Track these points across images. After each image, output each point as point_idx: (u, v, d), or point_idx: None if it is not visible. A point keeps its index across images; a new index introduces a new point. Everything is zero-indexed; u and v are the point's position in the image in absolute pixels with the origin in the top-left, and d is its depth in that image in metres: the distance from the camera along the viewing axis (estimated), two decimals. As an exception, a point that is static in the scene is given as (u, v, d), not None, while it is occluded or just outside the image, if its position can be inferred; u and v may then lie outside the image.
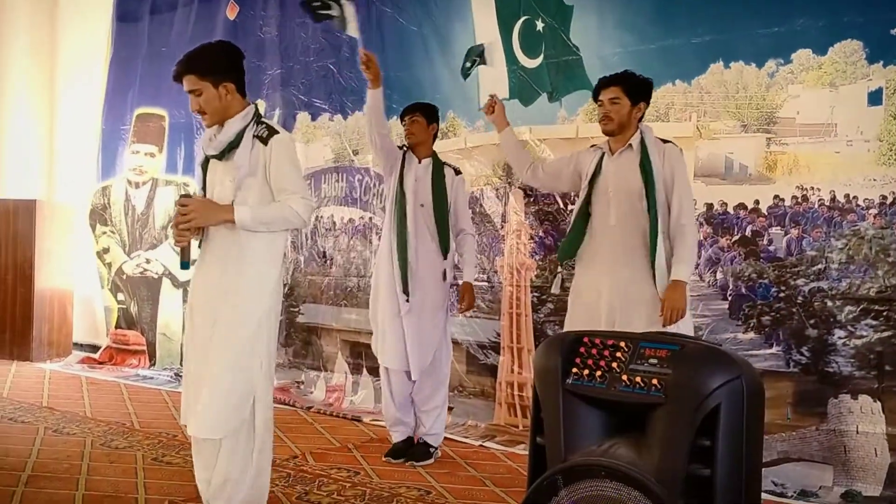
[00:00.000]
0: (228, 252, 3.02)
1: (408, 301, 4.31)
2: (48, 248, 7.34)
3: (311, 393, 5.91)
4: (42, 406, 5.41)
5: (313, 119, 6.17)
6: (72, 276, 7.63)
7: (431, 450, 4.39)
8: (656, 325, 3.38)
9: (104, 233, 7.50)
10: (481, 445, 4.72)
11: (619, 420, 2.08)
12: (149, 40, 7.24)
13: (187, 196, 3.12)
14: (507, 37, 5.09)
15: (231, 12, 6.59)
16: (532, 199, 5.03)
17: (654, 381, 2.00)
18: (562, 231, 4.88)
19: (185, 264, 3.06)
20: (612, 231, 3.56)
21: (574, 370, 2.12)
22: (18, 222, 7.27)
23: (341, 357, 5.93)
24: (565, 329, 3.68)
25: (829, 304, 3.92)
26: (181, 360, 6.70)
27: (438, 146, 5.37)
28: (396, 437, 4.46)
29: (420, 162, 4.45)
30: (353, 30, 4.46)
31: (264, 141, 3.00)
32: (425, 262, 4.36)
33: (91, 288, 7.63)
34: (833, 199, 3.95)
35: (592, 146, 3.82)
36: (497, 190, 5.23)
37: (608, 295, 3.50)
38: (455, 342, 5.29)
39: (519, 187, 4.97)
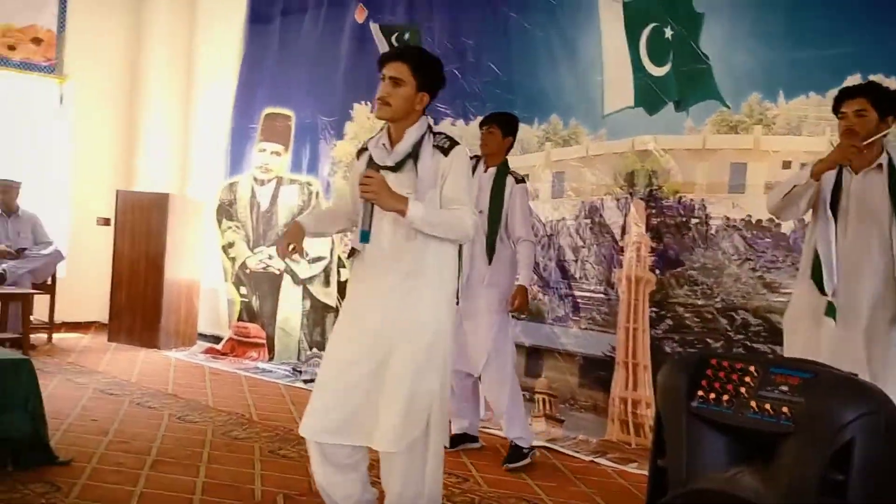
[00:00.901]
0: (402, 261, 2.96)
1: (458, 303, 4.35)
2: (178, 240, 7.64)
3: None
4: (167, 393, 5.63)
5: (436, 123, 6.19)
6: (199, 268, 7.93)
7: (525, 450, 4.41)
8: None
9: (229, 227, 7.75)
10: (592, 461, 4.64)
11: (744, 447, 1.99)
12: (279, 41, 7.44)
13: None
14: (633, 44, 4.99)
15: (359, 15, 6.70)
16: (654, 211, 4.92)
17: (785, 410, 1.90)
18: (685, 246, 4.76)
19: (364, 234, 2.89)
20: (846, 256, 3.30)
21: (700, 392, 2.04)
22: (152, 215, 7.58)
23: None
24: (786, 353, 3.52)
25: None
26: (298, 356, 6.96)
27: (560, 154, 5.38)
28: (454, 429, 4.51)
29: (486, 171, 4.51)
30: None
31: (445, 152, 2.96)
32: (476, 268, 4.41)
33: (216, 281, 7.91)
34: None
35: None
36: (618, 200, 5.13)
37: (839, 327, 3.26)
38: (568, 353, 5.24)
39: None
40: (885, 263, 3.24)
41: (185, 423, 4.84)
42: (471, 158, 4.42)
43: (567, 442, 4.95)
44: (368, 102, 6.60)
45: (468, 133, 5.99)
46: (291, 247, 3.04)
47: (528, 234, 4.53)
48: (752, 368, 2.01)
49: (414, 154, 2.96)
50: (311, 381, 6.32)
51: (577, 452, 4.77)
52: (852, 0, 4.12)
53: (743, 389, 1.99)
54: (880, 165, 3.30)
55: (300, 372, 6.64)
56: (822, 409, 1.86)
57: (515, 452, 4.39)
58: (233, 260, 7.71)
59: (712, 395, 2.02)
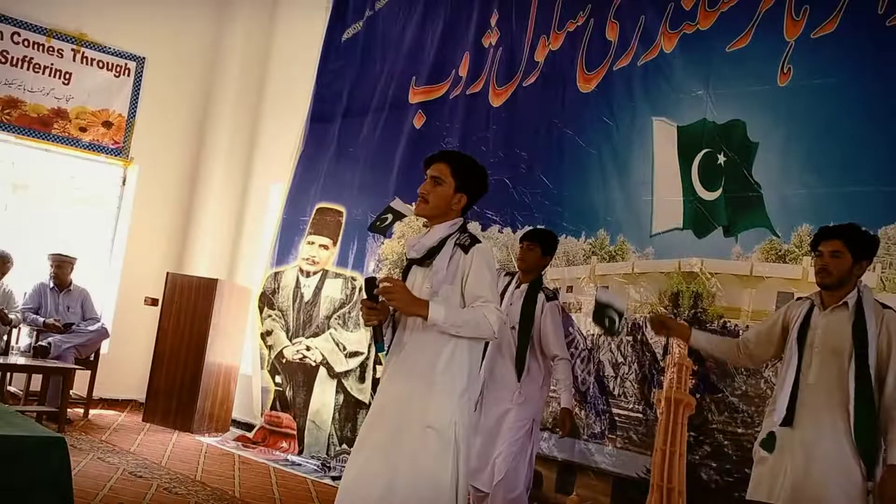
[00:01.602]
0: (418, 363, 3.01)
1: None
2: (222, 325, 7.73)
3: None
4: (195, 480, 5.61)
5: (483, 229, 6.27)
6: (238, 354, 7.98)
7: None
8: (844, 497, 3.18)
9: (269, 316, 7.82)
10: None
11: None
12: (338, 141, 7.65)
13: (370, 280, 3.08)
14: (685, 167, 5.05)
15: (418, 121, 6.89)
16: (698, 333, 4.87)
17: None
18: (727, 371, 4.70)
19: (380, 346, 3.04)
20: (809, 391, 3.37)
21: None
22: (199, 298, 7.70)
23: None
24: (750, 488, 3.54)
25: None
26: (328, 450, 6.90)
27: (606, 269, 5.39)
28: None
29: (519, 286, 4.54)
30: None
31: (465, 249, 3.02)
32: (505, 382, 4.38)
33: (252, 368, 7.95)
34: None
35: (799, 298, 3.67)
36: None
37: (798, 458, 3.31)
38: (601, 472, 5.14)
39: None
40: (842, 400, 3.27)
41: (210, 513, 4.81)
42: (506, 275, 4.51)
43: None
44: (419, 203, 6.71)
45: (514, 241, 6.05)
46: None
47: (563, 352, 4.51)
48: None
49: (438, 249, 3.05)
50: (339, 477, 6.28)
51: None
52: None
53: None
54: (846, 304, 3.37)
55: (329, 468, 6.58)
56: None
57: None
58: (270, 348, 7.76)
59: None
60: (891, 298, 4.05)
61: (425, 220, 3.21)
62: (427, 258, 3.06)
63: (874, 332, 3.28)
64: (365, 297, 3.06)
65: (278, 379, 7.61)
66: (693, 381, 4.86)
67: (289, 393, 7.48)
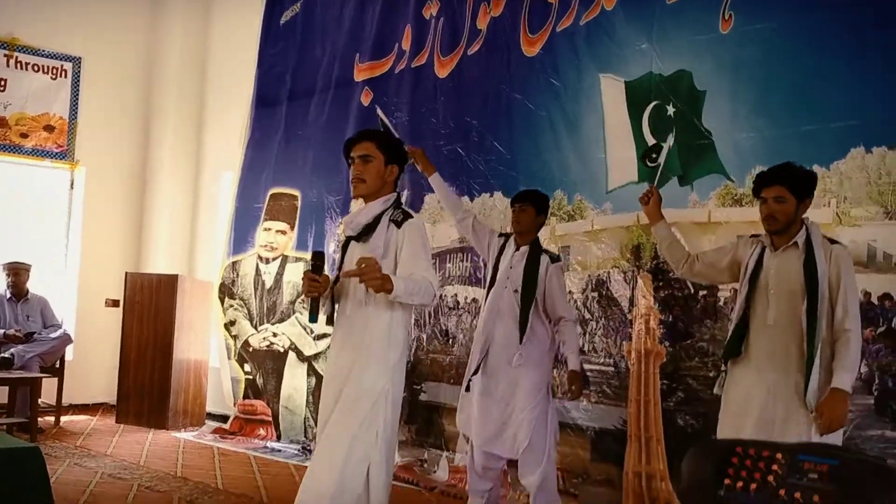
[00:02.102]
0: (356, 332, 3.21)
1: (470, 381, 4.44)
2: (187, 320, 7.66)
3: (435, 472, 5.90)
4: (176, 476, 5.58)
5: (440, 200, 6.29)
6: (206, 348, 7.93)
7: None
8: (807, 433, 3.27)
9: (231, 306, 7.78)
10: None
11: None
12: (285, 124, 7.59)
13: (318, 254, 3.29)
14: (636, 121, 5.10)
15: (365, 98, 6.86)
16: (662, 284, 4.96)
17: (816, 498, 1.87)
18: (693, 317, 4.79)
19: (313, 317, 3.23)
20: (769, 331, 3.44)
21: (727, 481, 2.01)
22: (161, 296, 7.63)
23: (462, 437, 5.91)
24: (718, 430, 3.60)
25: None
26: (305, 433, 6.91)
27: (565, 228, 5.44)
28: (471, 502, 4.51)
29: (518, 249, 4.52)
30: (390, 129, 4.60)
31: (398, 224, 3.19)
32: (509, 347, 4.39)
33: (219, 359, 7.91)
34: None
35: (752, 235, 3.73)
36: (625, 273, 5.17)
37: (761, 398, 3.40)
38: (579, 428, 5.22)
39: (680, 275, 4.51)
40: (796, 335, 3.35)
41: (196, 507, 4.79)
42: (500, 236, 4.53)
43: (583, 518, 4.91)
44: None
45: (471, 209, 6.07)
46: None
47: (569, 313, 4.53)
48: (778, 456, 1.97)
49: (373, 225, 3.22)
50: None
51: None
52: (855, 75, 4.20)
53: (771, 478, 1.94)
54: (796, 243, 3.44)
55: (309, 451, 6.59)
56: (855, 497, 1.84)
57: None
58: (235, 338, 7.73)
59: (740, 484, 1.97)
60: (847, 232, 4.18)
61: (363, 198, 3.33)
62: (363, 234, 3.23)
63: (824, 270, 3.35)
64: (309, 269, 3.21)
65: (247, 367, 7.59)
66: (661, 330, 4.95)
67: (259, 380, 7.46)
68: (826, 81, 4.32)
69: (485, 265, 5.01)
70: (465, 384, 4.56)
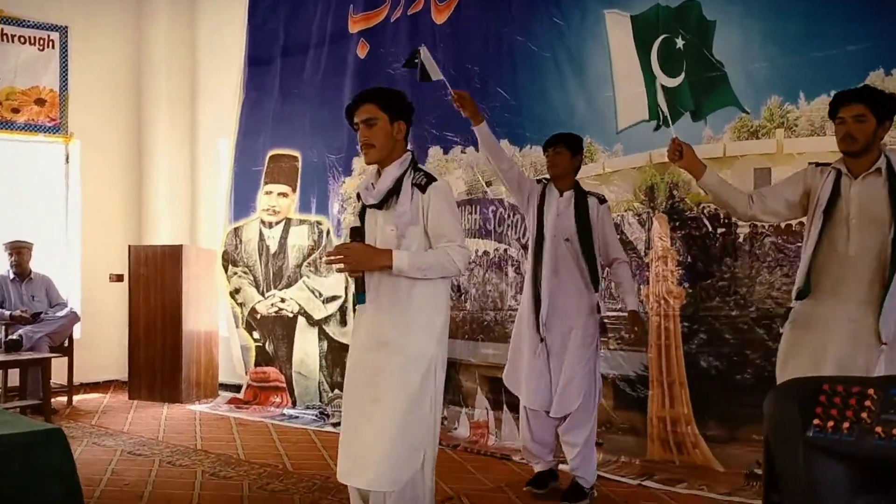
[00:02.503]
0: (395, 301, 3.01)
1: (542, 341, 4.22)
2: (194, 291, 7.56)
3: (456, 429, 5.84)
4: (197, 449, 5.51)
5: (445, 153, 6.13)
6: (215, 318, 7.83)
7: (586, 490, 4.23)
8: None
9: (235, 273, 7.66)
10: (640, 485, 4.52)
11: (870, 477, 1.86)
12: (280, 82, 7.40)
13: (356, 230, 3.09)
14: (645, 56, 4.89)
15: (362, 51, 6.66)
16: (678, 224, 4.82)
17: None
18: (712, 257, 4.66)
19: (362, 297, 3.02)
20: (850, 263, 3.23)
21: (816, 421, 1.90)
22: (166, 268, 7.51)
23: (480, 393, 5.83)
24: (779, 365, 3.42)
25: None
26: (320, 398, 6.84)
27: (575, 173, 5.29)
28: (538, 467, 4.40)
29: (562, 195, 4.34)
30: (436, 73, 4.31)
31: (422, 189, 3.01)
32: (570, 298, 4.24)
33: (227, 329, 7.82)
34: None
35: (819, 164, 3.47)
36: (639, 216, 5.04)
37: (840, 333, 3.20)
38: (601, 375, 5.11)
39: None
40: (881, 270, 3.17)
41: (219, 479, 4.71)
42: (538, 182, 4.36)
43: (610, 466, 4.84)
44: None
45: (479, 159, 5.92)
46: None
47: (622, 254, 4.41)
48: (870, 392, 1.88)
49: (395, 190, 3.02)
50: (340, 423, 6.23)
51: (623, 477, 4.66)
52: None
53: (864, 415, 1.86)
54: (879, 170, 3.25)
55: (327, 415, 6.53)
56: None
57: (576, 490, 4.22)
58: (241, 305, 7.62)
59: (830, 424, 1.89)
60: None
61: (377, 164, 3.12)
62: (385, 201, 3.03)
63: None
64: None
65: (256, 335, 7.51)
66: (680, 272, 4.83)
67: (269, 347, 7.38)
68: (840, 4, 4.16)
69: (521, 217, 4.80)
70: (528, 345, 4.32)
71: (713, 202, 4.22)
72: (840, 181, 3.31)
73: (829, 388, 1.92)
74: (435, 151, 6.19)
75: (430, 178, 3.03)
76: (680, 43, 4.74)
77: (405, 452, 2.92)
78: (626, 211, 5.09)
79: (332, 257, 2.98)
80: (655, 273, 4.92)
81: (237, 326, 7.66)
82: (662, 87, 4.72)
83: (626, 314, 4.55)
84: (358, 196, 3.20)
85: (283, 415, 6.76)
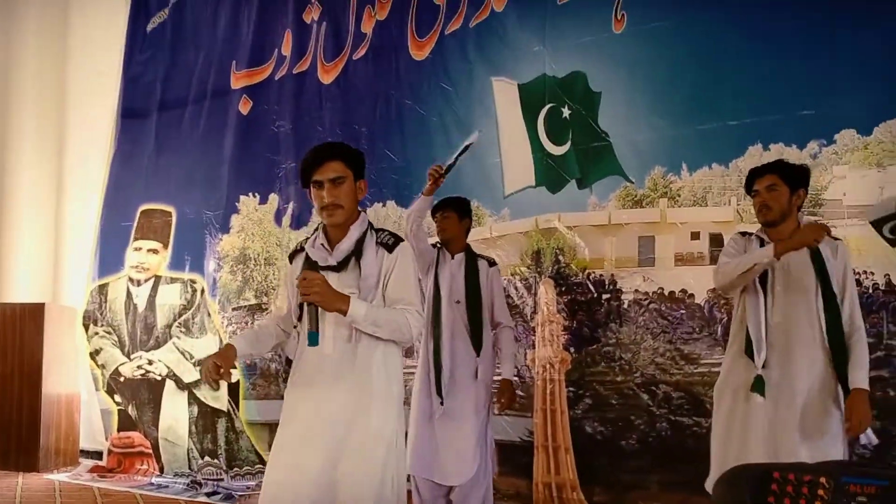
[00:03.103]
0: (347, 370, 2.78)
1: (442, 404, 4.14)
2: (55, 352, 7.07)
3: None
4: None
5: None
6: (76, 380, 7.33)
7: None
8: (835, 434, 3.16)
9: (97, 333, 7.22)
10: None
11: None
12: (156, 136, 7.12)
13: (315, 264, 2.84)
14: (531, 124, 5.02)
15: (244, 107, 6.53)
16: (564, 289, 4.88)
17: None
18: (598, 322, 4.73)
19: (314, 336, 2.70)
20: (776, 330, 3.27)
21: None
22: (26, 326, 7.02)
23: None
24: (714, 430, 3.43)
25: (892, 393, 3.76)
26: (190, 465, 6.49)
27: (462, 236, 5.29)
28: None
29: (453, 258, 4.35)
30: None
31: (389, 248, 2.82)
32: (463, 361, 4.19)
33: (88, 391, 7.34)
34: (888, 282, 3.81)
35: (744, 233, 3.51)
36: (526, 280, 5.07)
37: (774, 400, 3.22)
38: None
39: None
40: (814, 336, 3.23)
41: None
42: (433, 246, 4.31)
43: (497, 534, 4.76)
44: (255, 194, 6.40)
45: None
46: (220, 370, 2.75)
47: (508, 319, 4.38)
48: (822, 480, 1.87)
49: (356, 252, 2.80)
50: (215, 493, 5.97)
51: None
52: (750, 74, 4.24)
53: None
54: None
55: (199, 484, 6.19)
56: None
57: None
58: (102, 367, 7.16)
59: None
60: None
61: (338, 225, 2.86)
62: (344, 263, 2.81)
63: (832, 263, 3.24)
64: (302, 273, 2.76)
65: (117, 398, 7.07)
66: (566, 337, 4.87)
67: (132, 412, 6.96)
68: (723, 80, 4.36)
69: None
70: (422, 411, 4.24)
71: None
72: None
73: (781, 475, 1.90)
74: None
75: (398, 239, 2.86)
76: (566, 112, 4.87)
77: None
78: (512, 275, 5.12)
79: (306, 278, 2.67)
80: (542, 337, 4.94)
81: (97, 389, 7.21)
82: (548, 154, 4.85)
83: (513, 379, 4.52)
84: (291, 256, 3.00)
85: (152, 484, 6.37)
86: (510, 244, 5.13)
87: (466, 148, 4.38)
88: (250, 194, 6.45)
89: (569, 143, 4.88)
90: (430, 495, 4.21)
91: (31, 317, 7.01)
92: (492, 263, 4.41)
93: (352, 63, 5.94)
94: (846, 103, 3.93)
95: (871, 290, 3.85)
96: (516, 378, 4.64)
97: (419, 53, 5.56)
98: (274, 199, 6.32)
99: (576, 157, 4.84)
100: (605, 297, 4.73)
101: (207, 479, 6.18)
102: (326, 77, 6.08)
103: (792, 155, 4.08)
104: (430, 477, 4.16)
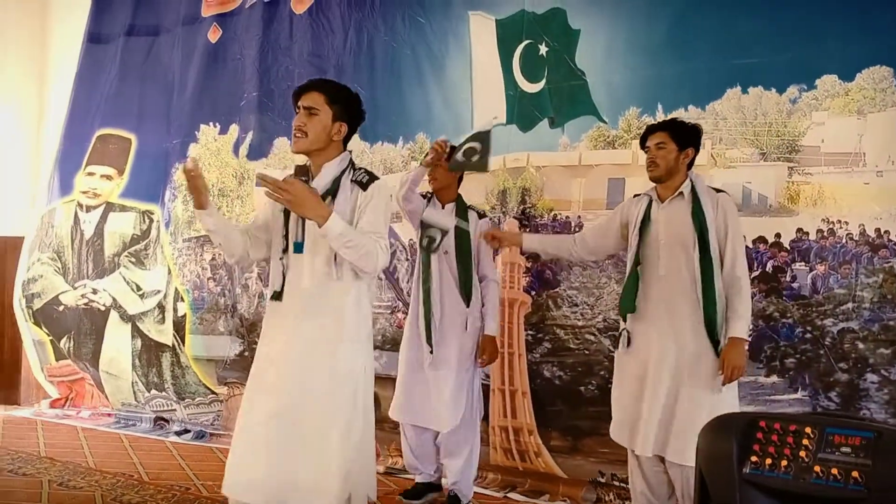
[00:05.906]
0: (319, 305, 2.88)
1: (431, 353, 4.09)
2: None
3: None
4: (41, 456, 5.04)
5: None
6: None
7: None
8: (709, 383, 3.29)
9: (38, 259, 6.96)
10: (505, 497, 4.50)
11: None
12: (121, 62, 6.86)
13: (302, 168, 2.97)
14: (507, 61, 4.90)
15: (213, 35, 6.31)
16: (529, 229, 4.78)
17: (854, 474, 1.77)
18: (562, 265, 4.65)
19: (299, 245, 2.90)
20: (661, 282, 3.44)
21: (753, 458, 1.90)
22: (6, 260, 6.83)
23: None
24: (614, 385, 3.59)
25: (861, 345, 3.74)
26: (135, 397, 6.31)
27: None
28: (419, 478, 4.29)
29: (443, 208, 4.25)
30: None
31: (364, 186, 2.90)
32: (452, 312, 4.14)
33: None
34: (862, 233, 3.78)
35: (636, 195, 3.69)
36: (490, 219, 4.97)
37: (658, 349, 3.37)
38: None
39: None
40: (694, 288, 3.36)
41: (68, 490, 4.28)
42: (423, 197, 4.19)
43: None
44: (216, 124, 6.23)
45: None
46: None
47: (494, 273, 4.29)
48: (807, 430, 1.90)
49: (333, 190, 2.89)
50: (185, 431, 5.93)
51: (486, 489, 4.60)
52: (732, 14, 4.15)
53: (802, 453, 1.87)
54: (682, 193, 3.46)
55: (166, 421, 6.17)
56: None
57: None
58: (34, 296, 6.90)
59: (768, 461, 1.89)
60: (721, 174, 4.15)
61: (305, 155, 2.97)
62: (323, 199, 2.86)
63: (712, 217, 3.38)
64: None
65: (45, 329, 6.88)
66: (527, 279, 4.79)
67: (67, 343, 6.77)
68: (703, 19, 4.25)
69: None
70: (412, 359, 4.21)
71: (544, 258, 4.50)
72: (651, 206, 3.54)
73: (766, 424, 1.93)
74: (281, 142, 5.93)
75: (372, 177, 2.93)
76: (543, 49, 4.76)
77: (337, 473, 2.76)
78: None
79: (272, 186, 2.69)
80: (502, 279, 4.86)
81: (25, 320, 6.94)
82: (522, 92, 4.75)
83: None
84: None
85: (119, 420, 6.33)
86: (475, 181, 4.99)
87: (478, 134, 4.15)
88: (211, 124, 6.26)
89: (543, 82, 4.76)
90: (417, 440, 4.21)
91: (11, 250, 6.83)
92: (482, 215, 4.34)
93: (327, -8, 5.75)
94: (829, 48, 3.86)
95: (844, 241, 3.82)
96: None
97: (395, -17, 5.40)
98: (234, 129, 6.14)
99: (549, 95, 4.73)
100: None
101: (159, 412, 6.16)
102: (299, 7, 5.87)
103: (770, 99, 4.02)
104: (417, 423, 4.16)
